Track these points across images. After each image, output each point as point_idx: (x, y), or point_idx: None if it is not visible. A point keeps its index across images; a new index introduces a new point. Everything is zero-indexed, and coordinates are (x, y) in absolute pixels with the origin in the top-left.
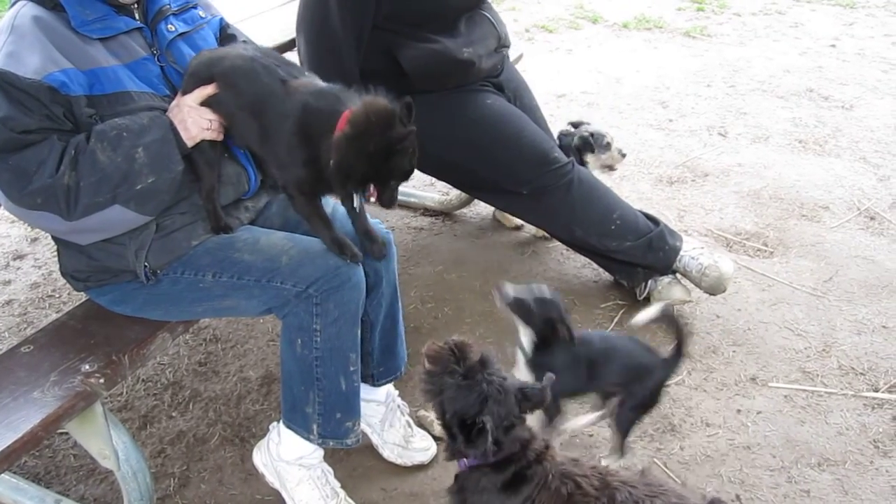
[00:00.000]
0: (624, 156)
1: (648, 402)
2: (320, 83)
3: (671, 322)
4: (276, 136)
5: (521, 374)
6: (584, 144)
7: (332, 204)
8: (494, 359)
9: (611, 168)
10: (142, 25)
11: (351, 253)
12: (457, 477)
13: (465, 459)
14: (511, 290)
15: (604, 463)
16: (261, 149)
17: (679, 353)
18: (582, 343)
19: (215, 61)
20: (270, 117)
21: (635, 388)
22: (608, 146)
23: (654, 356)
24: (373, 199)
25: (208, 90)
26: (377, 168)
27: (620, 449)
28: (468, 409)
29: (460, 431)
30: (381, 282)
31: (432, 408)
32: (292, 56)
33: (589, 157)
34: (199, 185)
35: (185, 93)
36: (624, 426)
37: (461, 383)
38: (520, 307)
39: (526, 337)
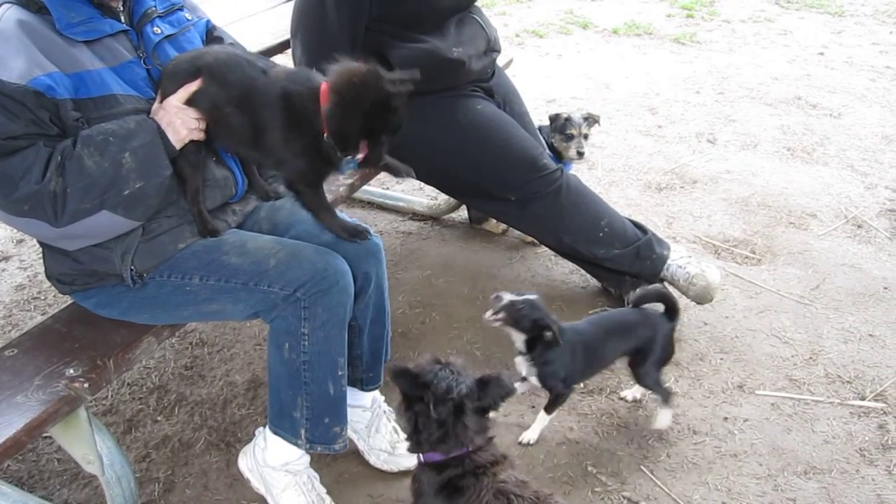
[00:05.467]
0: (581, 154)
1: (667, 354)
2: (292, 68)
3: (662, 297)
4: (268, 132)
5: (529, 377)
6: (551, 123)
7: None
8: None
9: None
10: (127, 28)
11: (361, 232)
12: (413, 476)
13: (421, 455)
14: (505, 296)
15: (660, 414)
16: (254, 147)
17: (673, 310)
18: (575, 333)
19: (198, 56)
20: (257, 111)
21: (650, 347)
22: (570, 136)
23: (651, 317)
24: (360, 157)
25: (193, 86)
26: (373, 124)
27: (665, 399)
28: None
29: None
30: (369, 286)
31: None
32: (286, 60)
33: (555, 138)
34: (184, 188)
35: (165, 95)
36: (652, 380)
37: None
38: (510, 311)
39: (519, 341)
